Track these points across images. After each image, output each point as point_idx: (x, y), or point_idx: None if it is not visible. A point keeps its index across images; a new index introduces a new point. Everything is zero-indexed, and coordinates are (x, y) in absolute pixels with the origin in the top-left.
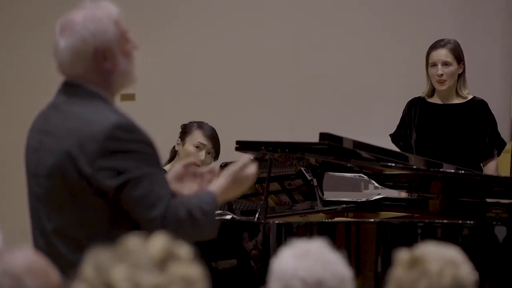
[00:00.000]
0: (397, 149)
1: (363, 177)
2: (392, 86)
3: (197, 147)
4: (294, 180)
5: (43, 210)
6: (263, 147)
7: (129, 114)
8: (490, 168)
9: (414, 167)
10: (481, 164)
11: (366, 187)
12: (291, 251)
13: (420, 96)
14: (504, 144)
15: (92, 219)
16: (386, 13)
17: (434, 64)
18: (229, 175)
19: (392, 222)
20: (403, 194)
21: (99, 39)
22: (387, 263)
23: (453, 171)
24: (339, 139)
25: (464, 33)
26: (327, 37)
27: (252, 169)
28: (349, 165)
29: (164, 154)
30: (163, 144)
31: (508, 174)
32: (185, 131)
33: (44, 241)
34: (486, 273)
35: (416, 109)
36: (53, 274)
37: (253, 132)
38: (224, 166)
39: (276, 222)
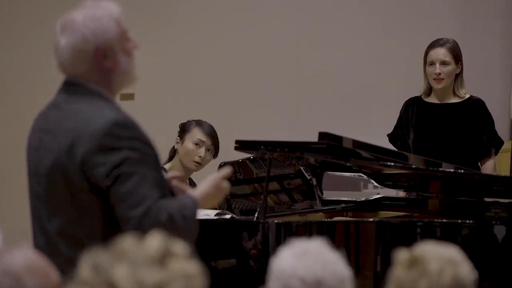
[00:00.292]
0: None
1: (363, 176)
2: (392, 86)
3: (196, 144)
4: (293, 179)
5: (44, 209)
6: (262, 147)
7: (129, 113)
8: (488, 167)
9: (414, 166)
10: (479, 163)
11: (366, 187)
12: (291, 250)
13: (417, 96)
14: (502, 142)
15: (92, 218)
16: (386, 13)
17: (432, 63)
18: (212, 181)
19: (392, 221)
20: (401, 193)
21: (100, 38)
22: (387, 262)
23: (452, 170)
24: (338, 139)
25: (464, 33)
26: (327, 37)
27: (227, 183)
28: (348, 165)
29: (163, 154)
30: (163, 144)
31: (508, 174)
32: (184, 129)
33: (45, 240)
34: (486, 273)
35: (413, 109)
36: (53, 273)
37: (253, 131)
38: (223, 165)
39: (276, 221)
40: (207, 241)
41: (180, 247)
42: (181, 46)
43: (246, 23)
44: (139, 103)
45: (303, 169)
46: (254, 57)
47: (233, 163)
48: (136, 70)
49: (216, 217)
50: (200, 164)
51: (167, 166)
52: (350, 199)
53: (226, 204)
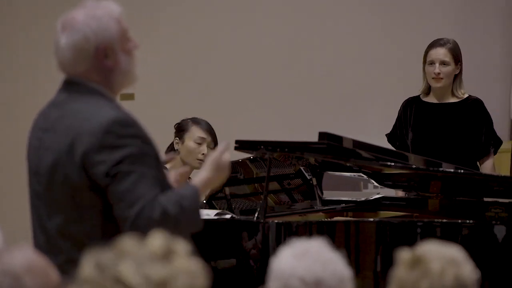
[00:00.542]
0: None
1: (363, 176)
2: (392, 86)
3: (197, 142)
4: (293, 179)
5: (44, 208)
6: (262, 147)
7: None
8: (486, 167)
9: (414, 166)
10: (478, 162)
11: (366, 187)
12: (291, 250)
13: (416, 96)
14: (501, 142)
15: (92, 216)
16: (386, 13)
17: (432, 63)
18: (211, 163)
19: (392, 221)
20: (400, 193)
21: (100, 37)
22: (387, 262)
23: (452, 170)
24: (338, 139)
25: (464, 33)
26: (327, 37)
27: (228, 154)
28: (348, 165)
29: (163, 154)
30: (163, 144)
31: (508, 174)
32: (181, 129)
33: (45, 239)
34: (486, 273)
35: (412, 109)
36: (53, 273)
37: (253, 131)
38: None
39: (276, 221)
40: (207, 241)
41: (182, 246)
42: (181, 46)
43: (246, 23)
44: (139, 103)
45: (303, 169)
46: (254, 57)
47: (233, 163)
48: (136, 70)
49: (216, 217)
50: (203, 161)
51: (168, 166)
52: (350, 199)
53: (227, 204)
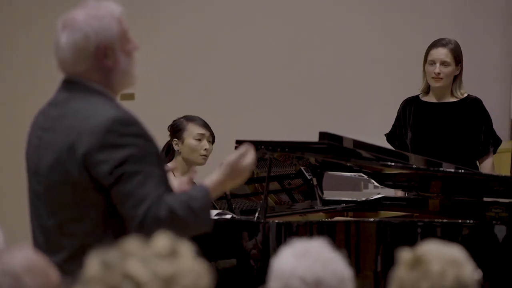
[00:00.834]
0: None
1: (363, 176)
2: (392, 86)
3: (198, 139)
4: (293, 179)
5: (43, 207)
6: (262, 147)
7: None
8: (486, 166)
9: (414, 166)
10: (477, 162)
11: (366, 187)
12: (291, 250)
13: (415, 96)
14: (500, 141)
15: (93, 215)
16: (386, 13)
17: (433, 62)
18: (226, 166)
19: (392, 221)
20: (399, 193)
21: (101, 36)
22: (387, 262)
23: (453, 170)
24: (338, 138)
25: (464, 33)
26: (327, 37)
27: (249, 158)
28: (348, 165)
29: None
30: (162, 144)
31: (508, 173)
32: (178, 129)
33: (44, 239)
34: (486, 273)
35: (411, 109)
36: (53, 273)
37: (253, 131)
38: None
39: (276, 221)
40: (208, 241)
41: (186, 246)
42: (181, 46)
43: (246, 23)
44: (139, 103)
45: (304, 169)
46: (254, 57)
47: None
48: (136, 71)
49: (216, 217)
50: (206, 156)
51: (171, 165)
52: (350, 199)
53: (227, 204)
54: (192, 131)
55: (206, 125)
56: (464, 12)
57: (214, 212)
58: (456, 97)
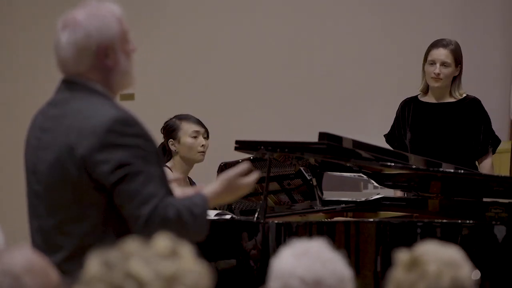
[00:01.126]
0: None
1: (363, 176)
2: (392, 86)
3: (193, 136)
4: (293, 179)
5: (42, 207)
6: (262, 147)
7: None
8: (485, 166)
9: (414, 166)
10: (476, 162)
11: (366, 187)
12: (291, 250)
13: (414, 96)
14: (499, 141)
15: (93, 215)
16: (386, 13)
17: (433, 63)
18: (224, 180)
19: (392, 221)
20: (398, 193)
21: (102, 35)
22: (387, 262)
23: (452, 170)
24: (338, 139)
25: (464, 33)
26: (327, 37)
27: (251, 178)
28: (348, 165)
29: None
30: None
31: (508, 174)
32: (172, 129)
33: (42, 239)
34: (486, 273)
35: (410, 109)
36: (53, 273)
37: (253, 131)
38: (223, 166)
39: (276, 221)
40: (207, 242)
41: (186, 247)
42: (181, 47)
43: (246, 23)
44: (139, 103)
45: (303, 169)
46: (254, 57)
47: (233, 163)
48: (134, 72)
49: (216, 217)
50: (204, 152)
51: (169, 164)
52: (350, 199)
53: (226, 204)
54: (187, 129)
55: (199, 122)
56: (464, 12)
57: (213, 213)
58: (455, 98)
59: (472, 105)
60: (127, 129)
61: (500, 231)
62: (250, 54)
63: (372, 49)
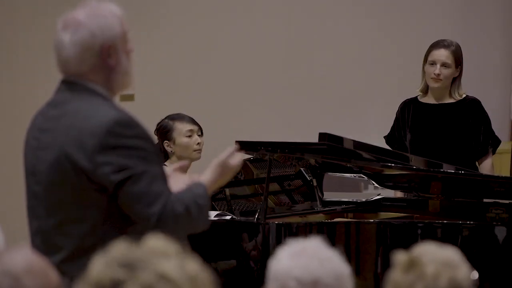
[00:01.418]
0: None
1: (363, 177)
2: (392, 86)
3: (188, 136)
4: (293, 180)
5: (42, 208)
6: (262, 147)
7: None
8: (485, 167)
9: (414, 167)
10: (477, 162)
11: (366, 188)
12: (287, 250)
13: (413, 97)
14: (499, 141)
15: (93, 216)
16: (386, 14)
17: (433, 63)
18: (217, 166)
19: (392, 222)
20: (398, 194)
21: (106, 34)
22: (387, 263)
23: (453, 171)
24: (338, 139)
25: (464, 33)
26: (327, 37)
27: (237, 158)
28: (348, 166)
29: None
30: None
31: (508, 174)
32: (166, 130)
33: (42, 240)
34: (486, 274)
35: (410, 110)
36: (53, 274)
37: (253, 132)
38: None
39: (276, 222)
40: (207, 242)
41: (185, 248)
42: (181, 47)
43: (246, 23)
44: (139, 104)
45: (304, 170)
46: (254, 57)
47: None
48: (133, 73)
49: (216, 218)
50: (200, 150)
51: (166, 163)
52: (350, 200)
53: (227, 205)
54: (181, 129)
55: (192, 120)
56: (464, 12)
57: (213, 214)
58: (455, 99)
59: (472, 106)
60: (127, 130)
61: (500, 232)
62: (250, 54)
63: (372, 49)
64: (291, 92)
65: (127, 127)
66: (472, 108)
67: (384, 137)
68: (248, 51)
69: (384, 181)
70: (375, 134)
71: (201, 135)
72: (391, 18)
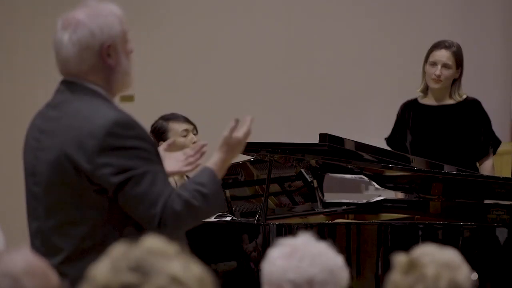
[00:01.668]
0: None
1: (364, 178)
2: (392, 87)
3: (184, 135)
4: (294, 181)
5: (41, 208)
6: (263, 148)
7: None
8: (486, 167)
9: (415, 168)
10: (477, 163)
11: (367, 189)
12: (277, 252)
13: (414, 99)
14: (499, 142)
15: (91, 217)
16: (386, 14)
17: (434, 64)
18: (223, 145)
19: (393, 223)
20: (399, 195)
21: (105, 34)
22: (388, 265)
23: (454, 172)
24: (339, 140)
25: (464, 33)
26: (327, 37)
27: (241, 130)
28: (349, 167)
29: None
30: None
31: (509, 175)
32: (161, 132)
33: (41, 241)
34: (487, 275)
35: (410, 112)
36: (52, 275)
37: (253, 132)
38: None
39: (276, 223)
40: (207, 244)
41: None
42: (181, 47)
43: (246, 23)
44: (139, 105)
45: (304, 171)
46: (254, 57)
47: (233, 165)
48: (133, 73)
49: (216, 219)
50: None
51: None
52: (351, 201)
53: (227, 206)
54: (176, 129)
55: (186, 119)
56: (464, 12)
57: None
58: (455, 100)
59: (472, 107)
60: (126, 131)
61: (501, 233)
62: (250, 55)
63: (372, 49)
64: (291, 92)
65: (126, 128)
66: (472, 109)
67: (385, 138)
68: (248, 51)
69: (385, 182)
70: (375, 134)
71: (196, 133)
72: (391, 18)
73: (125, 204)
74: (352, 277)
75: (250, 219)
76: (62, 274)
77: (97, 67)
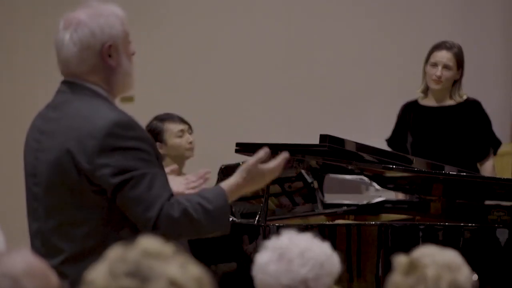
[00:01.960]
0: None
1: (364, 179)
2: (392, 87)
3: (179, 136)
4: (294, 182)
5: (41, 209)
6: None
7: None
8: (486, 168)
9: (416, 169)
10: (478, 164)
11: (367, 190)
12: (266, 257)
13: (414, 100)
14: (500, 143)
15: (91, 217)
16: (386, 14)
17: (435, 65)
18: (244, 170)
19: (393, 224)
20: (400, 196)
21: (106, 34)
22: (388, 266)
23: (455, 173)
24: (340, 141)
25: (464, 33)
26: (327, 37)
27: (271, 164)
28: (350, 167)
29: None
30: None
31: (510, 176)
32: (156, 133)
33: (41, 242)
34: (488, 276)
35: (411, 113)
36: (52, 276)
37: (252, 132)
38: (224, 168)
39: (277, 224)
40: (208, 244)
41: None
42: (181, 47)
43: (246, 23)
44: (138, 105)
45: (304, 172)
46: (254, 57)
47: (234, 166)
48: (134, 75)
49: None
50: (192, 148)
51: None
52: (351, 202)
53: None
54: (172, 130)
55: (181, 119)
56: (464, 12)
57: None
58: (455, 101)
59: (473, 108)
60: (126, 132)
61: (502, 234)
62: (250, 55)
63: (372, 49)
64: (291, 92)
65: (126, 128)
66: (472, 110)
67: (386, 140)
68: (248, 51)
69: (385, 183)
70: (375, 134)
71: (192, 132)
72: (391, 18)
73: (122, 205)
74: (352, 278)
75: (250, 220)
76: (62, 274)
77: (97, 67)
